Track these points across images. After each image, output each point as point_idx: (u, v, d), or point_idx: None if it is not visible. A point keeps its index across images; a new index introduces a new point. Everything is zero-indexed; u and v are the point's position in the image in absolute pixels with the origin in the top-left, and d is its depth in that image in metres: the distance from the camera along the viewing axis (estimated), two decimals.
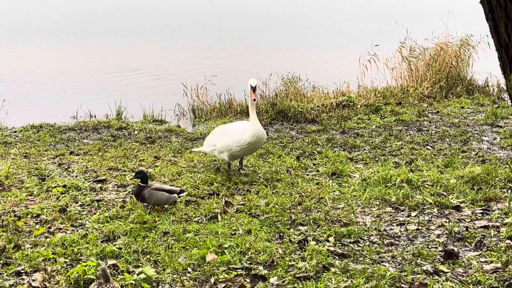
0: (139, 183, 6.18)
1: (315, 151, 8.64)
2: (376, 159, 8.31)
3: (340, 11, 28.86)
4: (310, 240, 5.50)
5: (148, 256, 5.16)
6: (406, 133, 9.75)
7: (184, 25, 26.10)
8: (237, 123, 7.72)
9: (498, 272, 4.94)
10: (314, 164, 8.02)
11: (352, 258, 5.20)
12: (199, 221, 6.00)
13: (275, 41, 20.95)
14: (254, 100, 7.24)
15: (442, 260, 5.18)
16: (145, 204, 6.25)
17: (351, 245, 5.49)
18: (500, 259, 5.14)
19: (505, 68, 1.81)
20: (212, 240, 5.40)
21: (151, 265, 5.00)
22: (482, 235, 5.66)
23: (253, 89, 7.22)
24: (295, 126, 10.42)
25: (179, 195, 6.29)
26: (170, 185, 6.68)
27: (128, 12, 30.88)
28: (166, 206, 6.27)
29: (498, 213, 6.18)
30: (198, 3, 34.34)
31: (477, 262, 5.14)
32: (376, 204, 6.48)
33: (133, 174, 6.75)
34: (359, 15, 26.97)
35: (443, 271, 4.98)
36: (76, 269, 4.77)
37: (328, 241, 5.54)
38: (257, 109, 11.04)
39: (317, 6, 31.41)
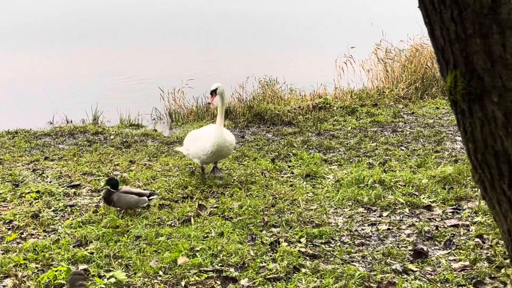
0: (110, 189, 6.20)
1: (290, 153, 8.69)
2: (351, 160, 8.38)
3: (317, 14, 29.01)
4: (282, 242, 5.54)
5: (119, 260, 5.17)
6: (381, 134, 9.84)
7: (160, 29, 26.06)
8: (206, 128, 7.69)
9: (466, 270, 5.02)
10: (289, 166, 8.07)
11: (323, 259, 5.25)
12: (172, 224, 6.03)
13: (252, 44, 21.01)
14: (209, 103, 7.29)
15: (411, 259, 5.25)
16: (118, 208, 6.26)
17: (323, 245, 5.54)
18: (468, 257, 5.21)
19: (442, 71, 1.86)
20: (184, 243, 5.42)
21: (122, 269, 5.01)
22: (451, 234, 5.74)
23: (212, 92, 7.25)
24: (271, 128, 10.47)
25: (149, 198, 6.30)
26: (144, 189, 6.69)
27: (103, 16, 30.76)
28: (139, 210, 6.29)
29: (468, 212, 6.26)
30: (174, 7, 34.27)
31: (446, 260, 5.22)
32: (349, 205, 6.54)
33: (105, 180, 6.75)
34: (335, 18, 27.13)
35: (412, 270, 5.05)
36: (46, 274, 4.77)
37: (300, 242, 5.58)
38: (234, 112, 11.10)
39: (295, 9, 31.51)
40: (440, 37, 1.84)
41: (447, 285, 4.80)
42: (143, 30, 25.27)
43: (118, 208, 6.25)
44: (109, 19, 29.47)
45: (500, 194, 1.89)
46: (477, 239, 5.60)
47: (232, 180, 7.36)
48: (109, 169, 7.87)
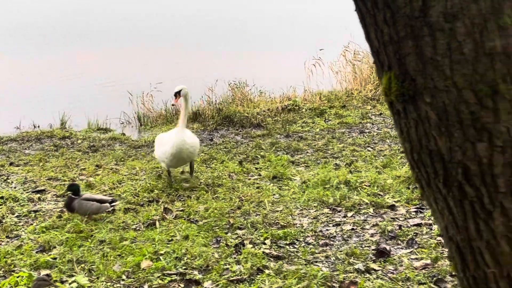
0: (71, 195, 6.16)
1: (258, 156, 8.72)
2: (318, 161, 8.44)
3: (286, 16, 29.09)
4: (246, 244, 5.56)
5: (82, 265, 5.14)
6: (348, 135, 9.91)
7: (128, 31, 25.89)
8: (171, 132, 7.67)
9: (427, 269, 5.09)
10: (256, 168, 8.09)
11: (287, 260, 5.28)
12: (137, 228, 6.01)
13: (222, 46, 20.99)
14: (173, 105, 7.30)
15: (374, 258, 5.32)
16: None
17: (287, 247, 5.57)
18: (430, 255, 5.29)
19: (378, 73, 1.90)
20: (148, 247, 5.42)
21: (85, 273, 4.99)
22: (414, 233, 5.82)
23: (176, 94, 7.26)
24: (240, 131, 10.48)
25: (111, 204, 6.28)
26: (109, 195, 6.66)
27: (71, 20, 30.46)
28: (103, 214, 6.26)
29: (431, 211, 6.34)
30: (141, 9, 34.06)
31: (408, 259, 5.28)
32: (314, 206, 6.59)
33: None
34: (304, 20, 27.25)
35: (374, 269, 5.11)
36: (7, 280, 4.73)
37: (265, 243, 5.61)
38: (203, 115, 11.10)
39: (262, 11, 31.54)
40: (375, 40, 1.88)
41: (408, 284, 4.86)
42: (109, 34, 25.07)
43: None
44: (77, 23, 29.20)
45: (436, 193, 1.94)
46: (439, 238, 5.68)
47: (199, 183, 7.36)
48: (75, 174, 7.82)
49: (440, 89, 1.78)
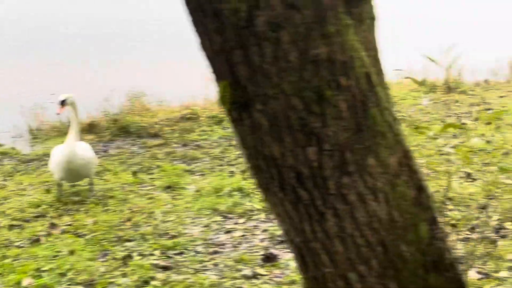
0: None
1: (153, 166, 8.64)
2: (213, 169, 8.46)
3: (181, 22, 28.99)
4: (134, 256, 5.49)
5: None
6: None
7: (19, 43, 25.00)
8: (63, 145, 7.45)
9: None
10: (150, 179, 8.01)
11: (175, 270, 5.27)
12: (21, 245, 5.80)
13: (121, 54, 20.68)
14: (57, 114, 7.16)
15: (262, 263, 5.39)
16: None
17: (176, 256, 5.55)
18: None
19: (215, 81, 1.93)
20: (32, 264, 5.24)
21: None
22: None
23: (62, 103, 7.07)
24: (137, 141, 10.34)
25: None
26: None
27: None
28: None
29: None
30: (29, 19, 32.98)
31: (294, 263, 5.38)
32: (207, 214, 6.59)
33: None
34: None
35: (261, 274, 5.18)
36: None
37: (153, 254, 5.56)
38: (98, 126, 10.87)
39: (157, 19, 31.24)
40: (208, 49, 1.91)
41: (293, 286, 4.95)
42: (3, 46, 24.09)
43: None
44: None
45: (274, 197, 1.99)
46: None
47: (89, 196, 7.20)
48: None
49: (270, 96, 1.84)
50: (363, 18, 2.39)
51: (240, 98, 1.87)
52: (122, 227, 6.22)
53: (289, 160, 1.88)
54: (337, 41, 1.83)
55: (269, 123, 1.86)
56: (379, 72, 2.48)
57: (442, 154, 7.93)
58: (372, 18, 2.44)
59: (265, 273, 5.20)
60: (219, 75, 1.92)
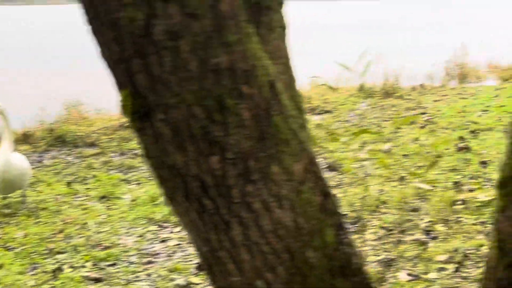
0: None
1: (89, 176, 8.49)
2: (150, 178, 8.35)
3: None
4: (65, 268, 5.38)
5: None
6: None
7: None
8: None
9: None
10: (85, 189, 7.86)
11: (106, 281, 5.18)
12: None
13: (56, 62, 20.30)
14: None
15: (195, 272, 5.35)
16: None
17: (108, 268, 5.45)
18: None
19: (117, 90, 1.91)
20: None
21: None
22: None
23: None
24: (73, 151, 10.14)
25: None
26: None
27: None
28: None
29: None
30: None
31: None
32: (142, 224, 6.52)
33: None
34: None
35: (195, 283, 5.15)
36: None
37: (85, 266, 5.45)
38: (33, 136, 10.61)
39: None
40: (108, 58, 1.88)
41: None
42: None
43: None
44: None
45: (180, 207, 1.98)
46: None
47: (21, 208, 7.01)
48: None
49: (171, 105, 1.82)
50: (273, 27, 2.41)
51: (141, 107, 1.85)
52: (54, 239, 6.08)
53: (192, 169, 1.87)
54: (238, 49, 1.83)
55: (172, 132, 1.85)
56: (290, 80, 2.51)
57: (357, 160, 8.07)
58: (282, 27, 2.47)
59: (199, 281, 5.17)
60: (120, 84, 1.89)
